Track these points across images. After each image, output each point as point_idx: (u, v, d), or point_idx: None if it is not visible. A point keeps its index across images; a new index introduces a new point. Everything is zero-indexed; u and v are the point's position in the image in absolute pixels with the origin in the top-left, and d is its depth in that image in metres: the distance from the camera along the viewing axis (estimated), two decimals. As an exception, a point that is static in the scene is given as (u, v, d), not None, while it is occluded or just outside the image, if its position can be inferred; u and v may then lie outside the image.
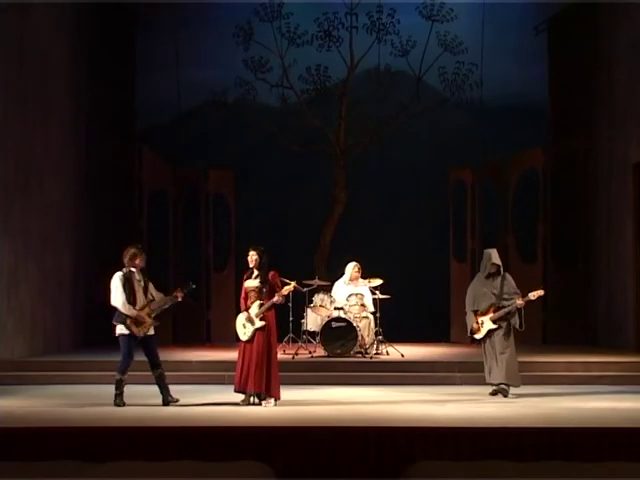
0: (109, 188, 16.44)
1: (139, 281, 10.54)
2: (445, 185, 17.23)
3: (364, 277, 14.32)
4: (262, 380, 10.28)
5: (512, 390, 11.14)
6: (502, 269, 11.27)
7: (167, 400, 10.46)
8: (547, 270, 16.20)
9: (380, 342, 14.10)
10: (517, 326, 11.14)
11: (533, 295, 11.05)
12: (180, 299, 10.69)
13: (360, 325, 13.73)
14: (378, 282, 14.10)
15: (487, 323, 11.11)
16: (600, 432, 8.35)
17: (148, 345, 10.56)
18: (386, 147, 17.76)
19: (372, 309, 14.10)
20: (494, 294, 11.13)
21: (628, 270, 14.88)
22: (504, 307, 11.09)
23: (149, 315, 10.50)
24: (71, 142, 15.31)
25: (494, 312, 11.11)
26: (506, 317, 11.10)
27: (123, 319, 10.40)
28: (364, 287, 14.21)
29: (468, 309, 11.32)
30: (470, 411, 9.86)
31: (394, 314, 14.51)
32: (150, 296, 10.60)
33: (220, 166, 17.18)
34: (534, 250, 16.24)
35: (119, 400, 10.35)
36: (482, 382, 11.44)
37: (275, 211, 17.80)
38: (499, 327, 11.09)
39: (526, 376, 12.51)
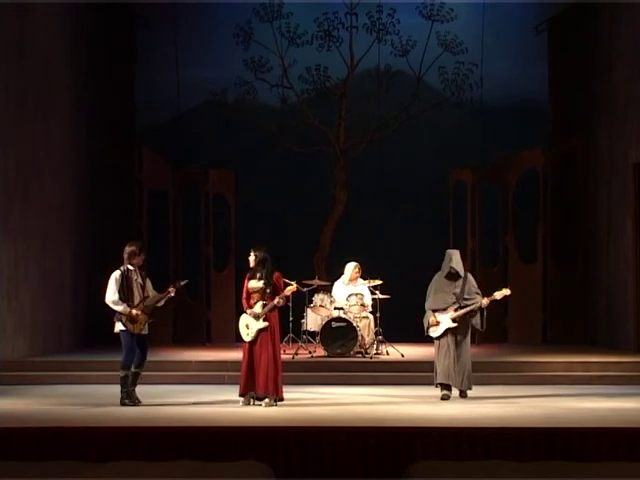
0: (109, 188, 16.45)
1: (136, 279, 10.57)
2: (445, 185, 17.21)
3: (364, 277, 14.33)
4: (269, 381, 10.28)
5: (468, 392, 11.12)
6: (463, 272, 11.11)
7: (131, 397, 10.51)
8: (547, 270, 16.20)
9: (380, 342, 14.10)
10: (478, 326, 11.05)
11: (499, 294, 10.95)
12: (172, 294, 10.72)
13: (360, 325, 13.73)
14: (378, 282, 14.10)
15: (446, 322, 10.94)
16: (600, 432, 8.35)
17: (140, 344, 10.61)
18: (386, 147, 17.76)
19: (370, 308, 14.08)
20: (455, 294, 11.00)
21: (628, 270, 14.88)
22: (466, 307, 10.95)
23: (143, 312, 10.53)
24: (71, 142, 15.30)
25: (455, 311, 10.95)
26: (466, 316, 10.94)
27: (120, 316, 10.48)
28: (364, 286, 14.21)
29: (427, 307, 11.13)
30: (470, 411, 9.86)
31: (394, 314, 14.51)
32: (146, 293, 10.62)
33: (220, 166, 17.18)
34: (534, 250, 16.22)
35: (127, 399, 10.37)
36: (481, 382, 11.47)
37: (275, 211, 17.80)
38: (458, 327, 10.94)
39: (526, 376, 12.58)
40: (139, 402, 10.44)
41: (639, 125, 14.65)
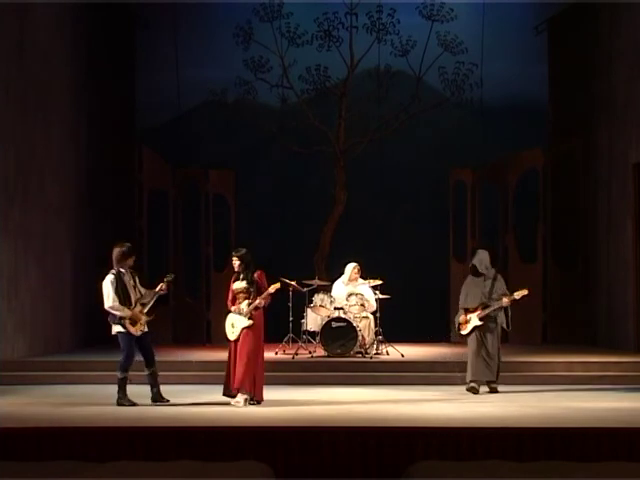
0: (109, 188, 16.44)
1: (129, 280, 10.55)
2: (445, 185, 17.22)
3: (364, 277, 14.33)
4: (245, 376, 10.25)
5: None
6: (487, 270, 11.52)
7: (156, 398, 10.45)
8: (547, 270, 16.21)
9: (380, 342, 14.10)
10: (504, 326, 11.50)
11: (517, 294, 11.40)
12: (165, 291, 10.68)
13: (360, 325, 13.73)
14: (378, 282, 14.11)
15: (474, 320, 11.40)
16: (600, 432, 8.35)
17: (143, 342, 10.56)
18: (386, 147, 17.76)
19: (374, 307, 14.08)
20: (483, 293, 11.42)
21: (628, 270, 14.87)
22: (492, 306, 11.34)
23: (141, 312, 10.51)
24: (71, 142, 15.30)
25: (482, 310, 11.33)
26: (491, 315, 11.36)
27: (119, 320, 10.44)
28: (364, 286, 14.21)
29: (460, 306, 11.64)
30: (470, 411, 9.86)
31: (394, 314, 14.51)
32: (139, 292, 10.60)
33: (220, 166, 17.18)
34: (534, 250, 16.23)
35: (124, 400, 10.32)
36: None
37: (275, 211, 17.80)
38: (485, 325, 11.34)
39: (526, 376, 12.58)
40: (166, 400, 10.42)
41: (639, 125, 14.64)
